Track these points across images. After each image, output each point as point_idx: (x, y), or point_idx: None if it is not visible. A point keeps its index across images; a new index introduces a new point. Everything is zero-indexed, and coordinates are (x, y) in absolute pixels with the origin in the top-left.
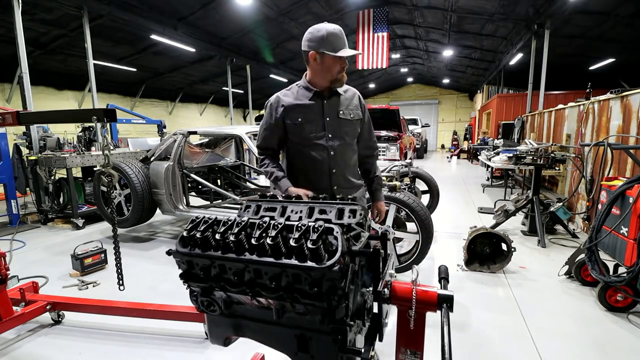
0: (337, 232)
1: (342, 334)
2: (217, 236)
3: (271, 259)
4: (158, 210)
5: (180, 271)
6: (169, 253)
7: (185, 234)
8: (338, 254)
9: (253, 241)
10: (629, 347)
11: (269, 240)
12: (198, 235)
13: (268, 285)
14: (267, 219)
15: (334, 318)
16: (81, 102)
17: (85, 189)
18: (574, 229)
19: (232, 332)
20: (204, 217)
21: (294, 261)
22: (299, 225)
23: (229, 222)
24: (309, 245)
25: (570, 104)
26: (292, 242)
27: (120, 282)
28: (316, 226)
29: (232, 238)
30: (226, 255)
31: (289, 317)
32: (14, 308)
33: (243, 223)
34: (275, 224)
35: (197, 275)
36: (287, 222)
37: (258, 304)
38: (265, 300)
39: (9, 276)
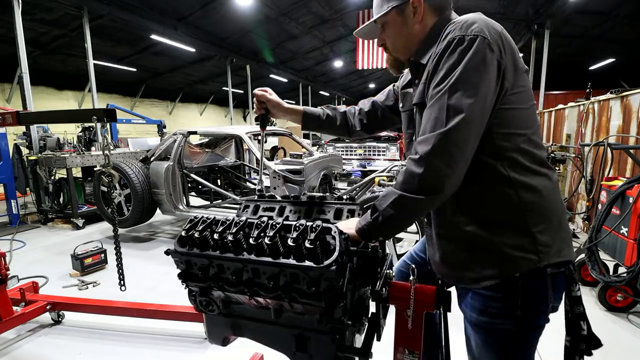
0: (335, 232)
1: (340, 334)
2: (215, 236)
3: (269, 259)
4: (158, 210)
5: (179, 271)
6: (167, 253)
7: (183, 233)
8: (336, 254)
9: (251, 241)
10: (629, 347)
11: (267, 240)
12: (196, 235)
13: (266, 285)
14: (265, 218)
15: (332, 317)
16: (81, 102)
17: (85, 189)
18: (574, 229)
19: (231, 332)
20: (202, 216)
21: (292, 261)
22: (297, 225)
23: (227, 222)
24: (307, 245)
25: (570, 104)
26: (290, 242)
27: (122, 282)
28: (314, 226)
29: (230, 238)
30: (224, 254)
31: (287, 316)
32: (14, 308)
33: (241, 223)
34: (273, 223)
35: (196, 275)
36: (285, 222)
37: (256, 303)
38: (263, 300)
39: (9, 276)
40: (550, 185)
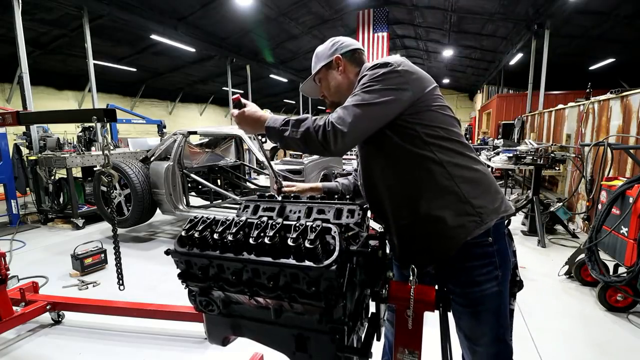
0: (335, 232)
1: (339, 334)
2: (215, 236)
3: (269, 259)
4: (158, 210)
5: (179, 271)
6: (167, 253)
7: (183, 233)
8: (336, 254)
9: (251, 241)
10: (629, 347)
11: (267, 240)
12: (196, 235)
13: (266, 285)
14: (265, 218)
15: (331, 317)
16: (81, 102)
17: (85, 189)
18: (574, 229)
19: (231, 332)
20: (202, 216)
21: (291, 261)
22: (297, 225)
23: (227, 222)
24: (307, 245)
25: (570, 104)
26: (290, 242)
27: (120, 282)
28: (314, 226)
29: (230, 238)
30: (224, 254)
31: (287, 316)
32: (14, 308)
33: (241, 223)
34: (273, 223)
35: (196, 274)
36: (285, 222)
37: (256, 303)
38: (263, 300)
39: (9, 276)
40: (474, 163)
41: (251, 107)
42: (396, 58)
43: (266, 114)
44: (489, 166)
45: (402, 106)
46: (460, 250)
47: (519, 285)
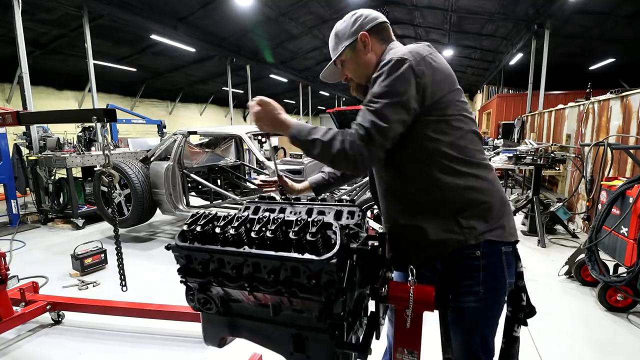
0: (336, 227)
1: (339, 329)
2: (217, 230)
3: (270, 252)
4: (158, 210)
5: (179, 268)
6: (168, 248)
7: (185, 227)
8: (337, 247)
9: (253, 234)
10: (629, 347)
11: (268, 233)
12: (198, 229)
13: (266, 279)
14: (267, 214)
15: (331, 313)
16: (81, 102)
17: (85, 189)
18: (574, 229)
19: (228, 332)
20: (204, 212)
21: (293, 254)
22: (299, 219)
23: (229, 217)
24: (309, 238)
25: (570, 104)
26: (291, 235)
27: (123, 282)
28: (315, 220)
29: (232, 232)
30: (225, 248)
31: (286, 314)
32: (14, 308)
33: (243, 217)
34: (275, 217)
35: (196, 269)
36: (286, 218)
37: (255, 300)
38: (262, 296)
39: (9, 276)
40: (483, 184)
41: (275, 106)
42: (418, 51)
43: (290, 119)
44: None
45: (414, 114)
46: (447, 256)
47: (526, 310)
